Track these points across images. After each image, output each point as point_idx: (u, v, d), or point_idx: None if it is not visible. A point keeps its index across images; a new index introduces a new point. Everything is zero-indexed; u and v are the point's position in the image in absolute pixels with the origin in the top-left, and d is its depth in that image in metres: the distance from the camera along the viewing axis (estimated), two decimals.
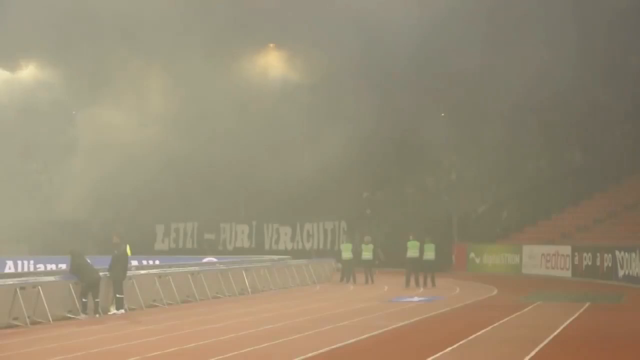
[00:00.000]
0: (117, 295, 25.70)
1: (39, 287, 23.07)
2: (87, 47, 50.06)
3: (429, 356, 16.76)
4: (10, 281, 23.12)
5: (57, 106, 54.65)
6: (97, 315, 24.65)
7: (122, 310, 25.59)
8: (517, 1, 46.77)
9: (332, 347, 18.03)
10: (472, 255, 48.81)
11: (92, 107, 52.86)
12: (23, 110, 54.29)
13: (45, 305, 22.99)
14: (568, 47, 46.94)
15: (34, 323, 22.60)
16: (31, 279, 23.77)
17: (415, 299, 29.73)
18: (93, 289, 24.71)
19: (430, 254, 35.72)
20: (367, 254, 38.38)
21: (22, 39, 51.09)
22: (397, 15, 46.37)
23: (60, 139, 53.99)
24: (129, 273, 26.43)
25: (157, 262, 41.47)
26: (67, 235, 51.66)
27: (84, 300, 24.52)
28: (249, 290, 32.56)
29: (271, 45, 56.62)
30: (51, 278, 24.68)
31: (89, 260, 25.28)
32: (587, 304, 26.97)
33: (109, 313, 25.44)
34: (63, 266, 40.83)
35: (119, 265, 25.98)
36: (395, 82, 52.52)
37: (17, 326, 22.13)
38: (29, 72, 57.08)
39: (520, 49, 48.16)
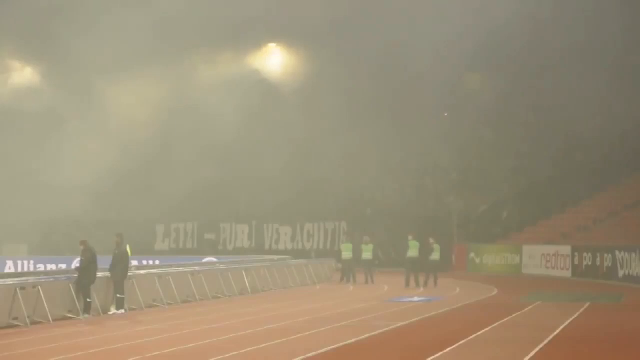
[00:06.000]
0: (118, 295, 25.69)
1: (39, 287, 23.05)
2: (84, 46, 50.01)
3: (429, 356, 16.76)
4: (10, 281, 23.10)
5: (55, 106, 54.60)
6: (87, 315, 24.50)
7: (122, 311, 25.58)
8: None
9: (332, 347, 18.04)
10: (472, 255, 48.82)
11: (91, 106, 52.84)
12: (21, 110, 54.27)
13: (45, 305, 22.98)
14: (569, 46, 46.96)
15: (34, 323, 22.58)
16: (31, 279, 23.74)
17: (415, 299, 29.74)
18: (85, 289, 24.59)
19: (436, 254, 35.84)
20: (367, 254, 38.38)
21: (17, 39, 51.19)
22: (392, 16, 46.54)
23: (60, 139, 53.97)
24: (129, 273, 26.43)
25: (157, 262, 41.51)
26: (67, 235, 51.68)
27: (88, 300, 24.47)
28: (249, 290, 32.56)
29: (272, 44, 56.59)
30: (51, 278, 24.66)
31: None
32: (587, 304, 26.98)
33: (109, 313, 25.43)
34: (63, 266, 40.92)
35: (120, 266, 25.97)
36: (396, 83, 52.52)
37: (17, 326, 22.12)
38: (21, 73, 57.09)
39: (519, 47, 48.17)
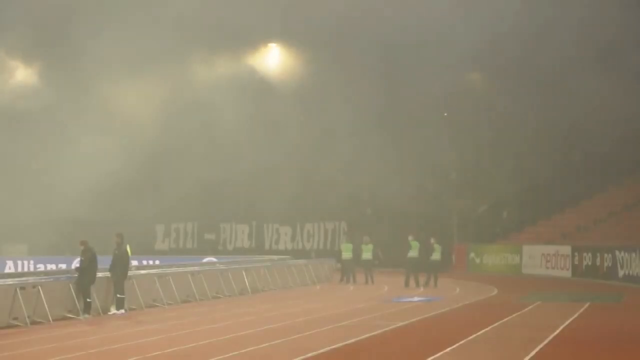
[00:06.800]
0: (118, 295, 25.68)
1: (39, 287, 23.06)
2: (85, 46, 49.99)
3: (429, 356, 16.76)
4: (10, 281, 23.11)
5: (55, 106, 54.58)
6: (87, 315, 24.49)
7: (122, 311, 25.58)
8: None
9: (332, 347, 18.04)
10: (472, 255, 48.84)
11: (91, 107, 52.81)
12: (21, 110, 54.25)
13: (45, 305, 22.99)
14: (569, 47, 46.93)
15: (34, 323, 22.59)
16: (31, 279, 23.76)
17: (415, 299, 29.74)
18: (85, 289, 24.59)
19: (436, 255, 35.88)
20: (366, 254, 38.39)
21: (18, 38, 51.16)
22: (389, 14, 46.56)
23: (60, 139, 53.99)
24: (129, 273, 26.42)
25: (157, 262, 41.52)
26: (67, 235, 51.65)
27: (88, 300, 24.48)
28: (249, 290, 32.56)
29: (272, 44, 56.52)
30: (51, 278, 24.66)
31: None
32: (587, 304, 26.99)
33: (109, 313, 25.43)
34: (63, 266, 40.93)
35: (120, 266, 25.97)
36: (396, 83, 52.50)
37: (17, 326, 22.13)
38: (21, 72, 57.08)
39: (520, 47, 48.12)
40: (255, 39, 54.68)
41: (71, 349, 18.13)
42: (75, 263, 28.93)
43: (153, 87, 51.10)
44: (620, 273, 36.91)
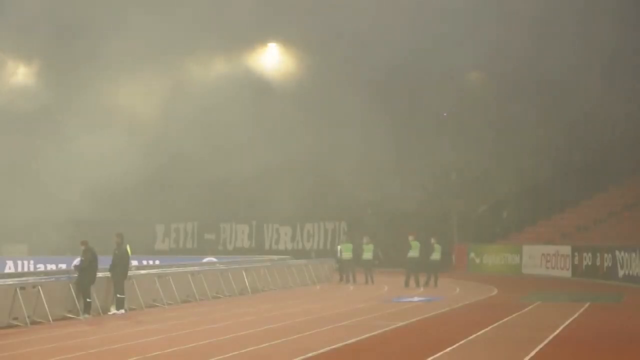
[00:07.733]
0: (118, 296, 25.68)
1: (39, 287, 23.07)
2: (85, 45, 49.97)
3: (429, 356, 16.76)
4: (10, 281, 23.11)
5: (55, 106, 54.57)
6: (87, 315, 24.50)
7: (122, 311, 25.58)
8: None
9: (332, 347, 18.04)
10: (472, 255, 48.83)
11: (92, 106, 52.80)
12: (20, 110, 54.24)
13: (45, 305, 22.99)
14: (569, 47, 46.97)
15: (34, 323, 22.60)
16: (31, 279, 23.76)
17: (415, 299, 29.74)
18: (85, 289, 24.59)
19: (437, 254, 35.88)
20: (367, 254, 38.40)
21: (19, 37, 51.18)
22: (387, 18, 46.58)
23: (60, 139, 54.00)
24: (129, 273, 26.42)
25: (157, 262, 41.53)
26: (67, 235, 51.66)
27: (88, 300, 24.48)
28: (249, 290, 32.57)
29: (271, 44, 56.49)
30: (51, 278, 24.66)
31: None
32: (587, 304, 26.98)
33: (109, 313, 25.43)
34: (63, 266, 40.93)
35: (120, 265, 25.97)
36: (394, 81, 52.52)
37: (17, 326, 22.13)
38: (21, 71, 57.07)
39: (519, 48, 48.16)
40: (256, 39, 54.68)
41: (71, 349, 18.14)
42: (75, 262, 28.97)
43: (154, 88, 51.11)
44: (620, 273, 36.90)
